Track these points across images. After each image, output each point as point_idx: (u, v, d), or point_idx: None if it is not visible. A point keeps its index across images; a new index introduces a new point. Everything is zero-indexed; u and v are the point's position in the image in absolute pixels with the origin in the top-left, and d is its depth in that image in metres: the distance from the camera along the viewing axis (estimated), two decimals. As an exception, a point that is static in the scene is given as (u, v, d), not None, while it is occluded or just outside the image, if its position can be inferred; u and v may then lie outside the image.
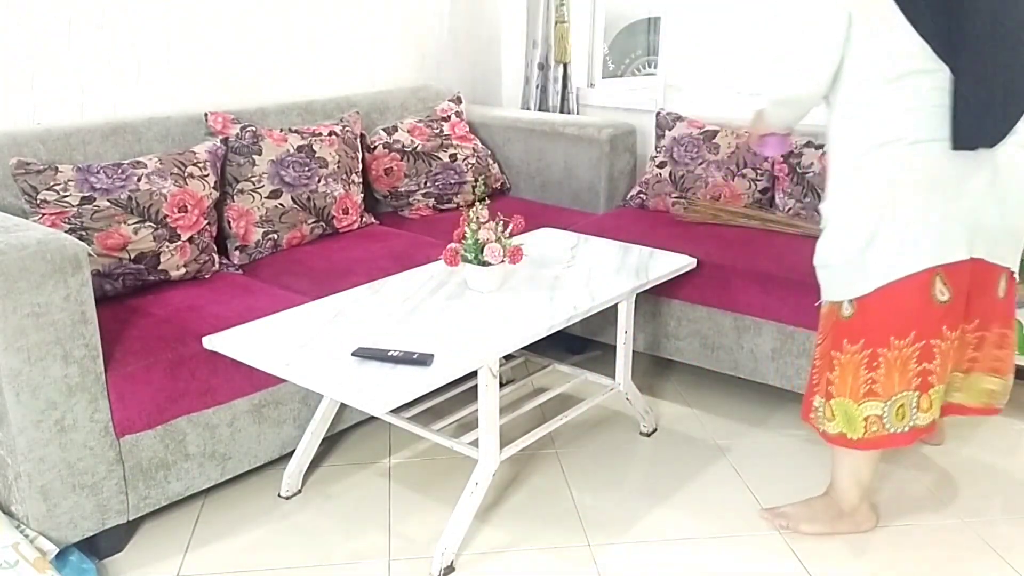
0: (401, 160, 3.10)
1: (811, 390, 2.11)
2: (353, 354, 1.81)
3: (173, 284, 2.38)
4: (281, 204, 2.68)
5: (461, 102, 3.38)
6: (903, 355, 1.95)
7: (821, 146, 2.88)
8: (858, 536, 2.12)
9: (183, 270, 2.39)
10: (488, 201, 2.19)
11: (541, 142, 3.34)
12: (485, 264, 2.12)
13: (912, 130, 1.87)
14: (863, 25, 1.88)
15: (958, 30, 1.82)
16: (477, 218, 2.13)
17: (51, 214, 2.21)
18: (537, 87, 3.74)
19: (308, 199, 2.73)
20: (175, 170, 2.41)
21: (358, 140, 2.99)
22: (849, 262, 1.96)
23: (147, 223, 2.31)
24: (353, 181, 2.89)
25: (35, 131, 2.38)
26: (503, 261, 2.13)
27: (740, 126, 2.96)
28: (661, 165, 3.13)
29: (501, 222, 2.16)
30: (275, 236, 2.67)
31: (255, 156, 2.66)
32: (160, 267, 2.34)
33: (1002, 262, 1.99)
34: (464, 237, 2.14)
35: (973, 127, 1.86)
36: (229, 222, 2.60)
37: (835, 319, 2.02)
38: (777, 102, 2.08)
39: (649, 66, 4.55)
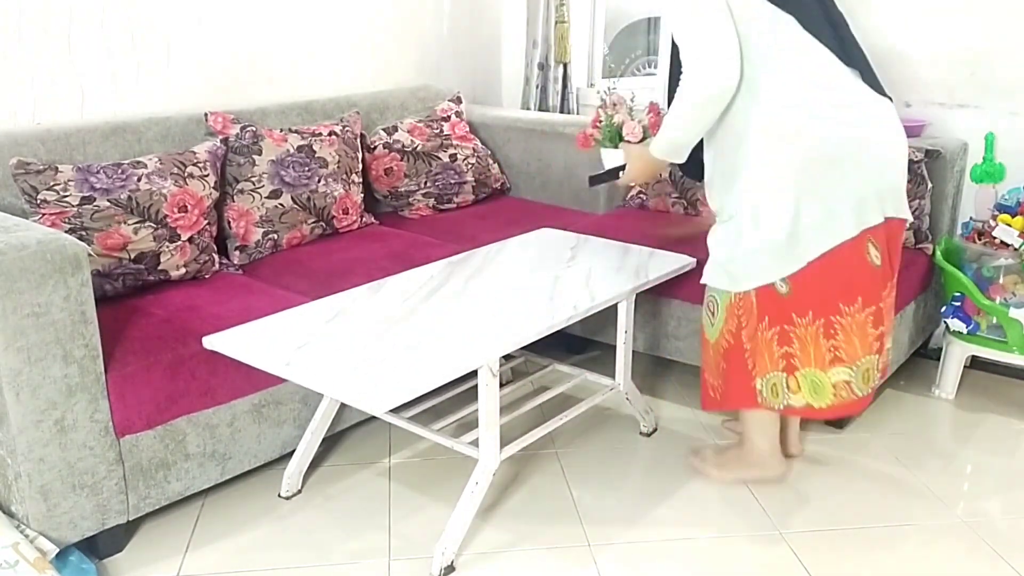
0: (401, 160, 3.10)
1: (748, 375, 2.16)
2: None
3: (173, 284, 2.38)
4: (281, 204, 2.68)
5: (461, 102, 3.38)
6: (858, 320, 2.07)
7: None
8: (859, 535, 2.12)
9: (183, 270, 2.39)
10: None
11: (541, 142, 3.33)
12: (626, 142, 2.20)
13: (814, 104, 1.99)
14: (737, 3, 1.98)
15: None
16: (612, 102, 2.22)
17: (51, 214, 2.21)
18: (537, 87, 3.75)
19: (308, 199, 2.73)
20: (175, 170, 2.41)
21: (358, 140, 2.99)
22: (775, 243, 2.03)
23: (147, 223, 2.31)
24: (353, 181, 2.89)
25: (35, 131, 2.38)
26: (643, 139, 2.15)
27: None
28: (661, 165, 3.13)
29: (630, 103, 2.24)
30: (275, 236, 2.67)
31: (255, 156, 2.66)
32: (160, 267, 2.34)
33: (907, 215, 2.14)
34: (599, 122, 2.20)
35: (875, 84, 2.06)
36: (229, 222, 2.60)
37: (773, 298, 2.09)
38: (696, 106, 2.00)
39: (649, 66, 4.55)
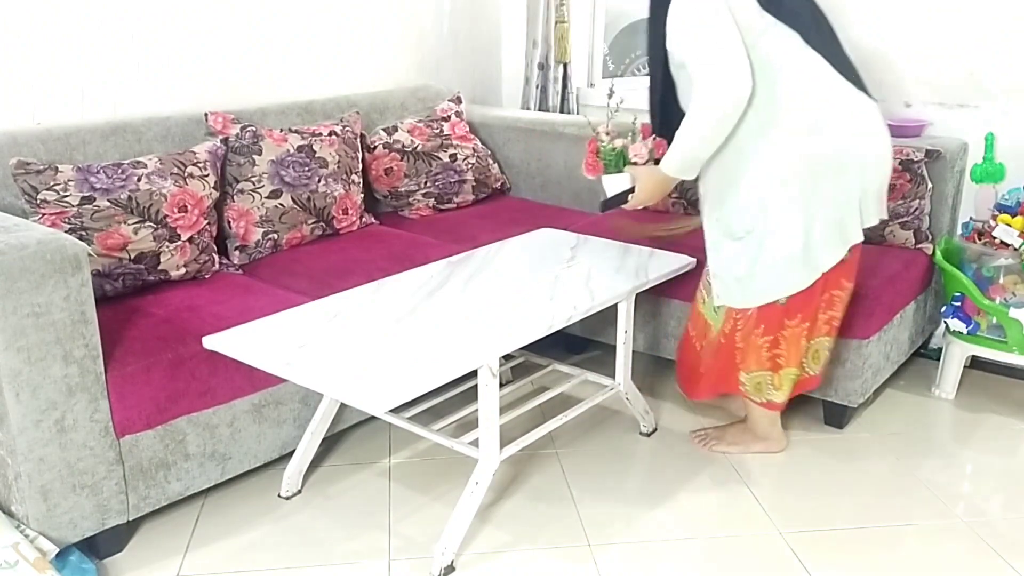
0: (401, 160, 3.10)
1: (735, 367, 2.30)
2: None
3: (173, 284, 2.38)
4: (281, 204, 2.68)
5: (461, 102, 3.38)
6: (822, 310, 2.25)
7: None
8: (859, 535, 2.12)
9: (183, 270, 2.39)
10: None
11: (541, 142, 3.33)
12: (632, 164, 2.20)
13: (817, 115, 2.04)
14: (740, 13, 2.00)
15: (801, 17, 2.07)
16: (607, 132, 2.23)
17: (51, 214, 2.21)
18: (537, 87, 3.74)
19: (308, 199, 2.73)
20: (175, 170, 2.41)
21: (358, 140, 2.98)
22: (792, 256, 2.10)
23: (147, 223, 2.31)
24: (353, 181, 2.89)
25: (35, 131, 2.38)
26: (648, 161, 2.18)
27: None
28: (661, 165, 3.13)
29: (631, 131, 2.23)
30: (275, 236, 2.67)
31: (255, 156, 2.66)
32: (160, 267, 2.34)
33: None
34: (599, 152, 2.22)
35: (863, 89, 2.10)
36: (229, 222, 2.60)
37: (773, 309, 2.20)
38: (716, 120, 1.99)
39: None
